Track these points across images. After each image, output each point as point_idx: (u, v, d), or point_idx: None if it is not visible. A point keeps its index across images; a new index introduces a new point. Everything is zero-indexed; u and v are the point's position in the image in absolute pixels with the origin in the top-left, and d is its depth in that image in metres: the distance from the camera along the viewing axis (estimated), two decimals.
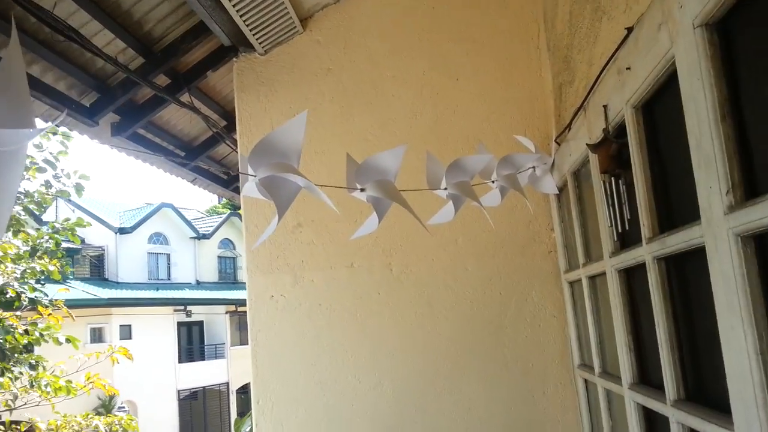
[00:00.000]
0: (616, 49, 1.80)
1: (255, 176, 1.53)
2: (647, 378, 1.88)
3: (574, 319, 2.85)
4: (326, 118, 3.18)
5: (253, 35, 3.01)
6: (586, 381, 2.74)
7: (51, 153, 6.05)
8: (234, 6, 2.71)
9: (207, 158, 4.38)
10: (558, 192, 2.78)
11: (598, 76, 2.01)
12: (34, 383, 6.00)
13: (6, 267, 5.33)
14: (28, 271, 5.65)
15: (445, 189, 2.16)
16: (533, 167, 2.65)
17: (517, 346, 3.00)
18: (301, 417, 3.05)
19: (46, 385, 5.97)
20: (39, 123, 3.10)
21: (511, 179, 2.43)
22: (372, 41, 3.22)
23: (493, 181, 2.44)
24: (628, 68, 1.74)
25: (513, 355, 3.00)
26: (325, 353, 3.10)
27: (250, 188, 1.55)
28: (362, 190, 1.79)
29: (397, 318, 3.08)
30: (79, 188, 6.35)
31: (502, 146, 2.96)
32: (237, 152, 4.02)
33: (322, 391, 3.05)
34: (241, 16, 2.82)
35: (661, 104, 1.66)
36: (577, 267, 2.62)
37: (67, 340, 6.18)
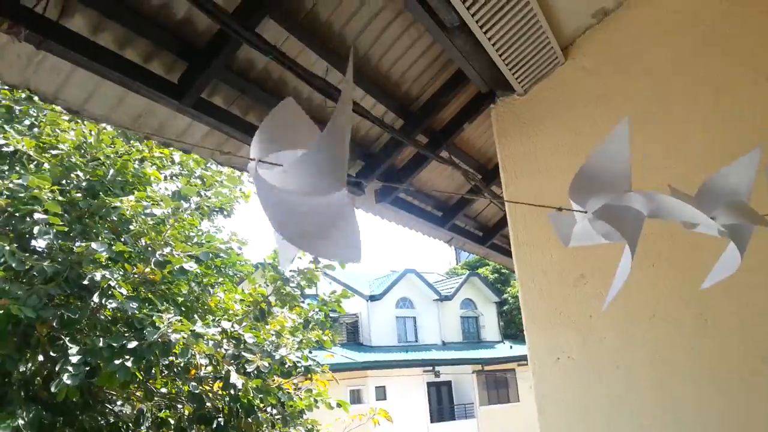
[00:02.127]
0: None
1: (584, 211, 1.24)
2: None
3: None
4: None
5: (512, 74, 2.81)
6: None
7: None
8: (493, 45, 2.54)
9: (464, 216, 4.26)
10: None
11: None
12: None
13: (287, 339, 5.78)
14: (304, 341, 6.08)
15: (713, 219, 1.54)
16: None
17: None
18: None
19: None
20: None
21: None
22: (648, 55, 2.79)
23: None
24: None
25: None
26: (622, 425, 2.60)
27: (583, 228, 1.26)
28: (712, 219, 1.37)
29: (719, 382, 2.46)
30: (344, 263, 6.78)
31: None
32: (498, 206, 3.82)
33: None
34: (500, 55, 2.63)
35: None
36: None
37: (338, 404, 6.48)
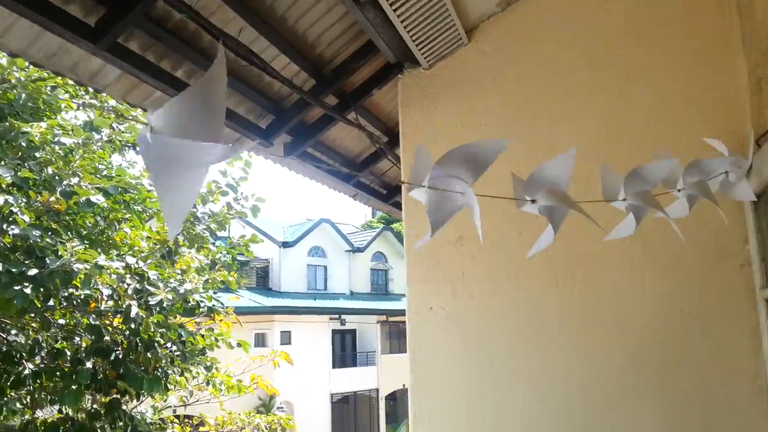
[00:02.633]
0: None
1: (423, 186, 1.53)
2: None
3: None
4: (491, 129, 3.12)
5: (419, 50, 3.05)
6: None
7: (233, 178, 6.67)
8: (402, 22, 2.77)
9: (370, 174, 4.52)
10: (756, 199, 2.47)
11: None
12: (210, 382, 6.53)
13: (193, 277, 5.87)
14: (210, 281, 6.19)
15: (624, 200, 2.00)
16: (726, 172, 2.38)
17: (702, 371, 2.70)
18: (458, 431, 2.99)
19: (220, 383, 6.49)
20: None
21: (701, 187, 2.19)
22: (540, 48, 3.11)
23: (678, 190, 2.23)
24: None
25: (697, 382, 2.70)
26: (484, 369, 3.01)
27: (418, 193, 1.55)
28: (533, 201, 1.71)
29: (564, 336, 2.92)
30: (255, 210, 6.93)
31: (689, 150, 2.70)
32: (398, 167, 4.10)
33: (478, 408, 2.98)
34: (408, 32, 2.86)
35: None
36: None
37: (238, 344, 6.68)
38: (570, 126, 3.01)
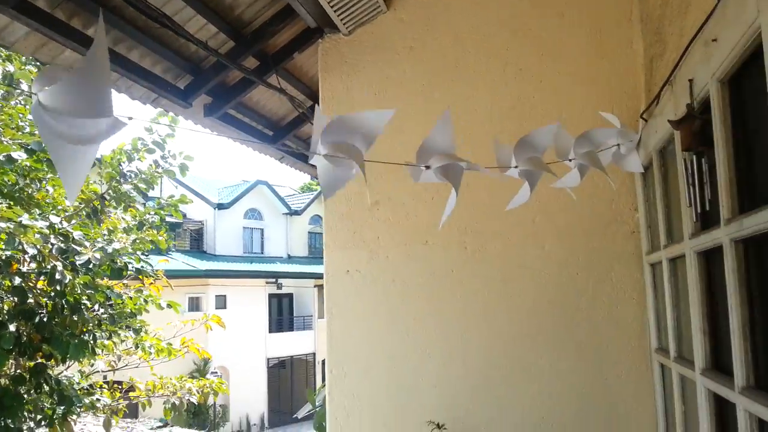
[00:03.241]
0: (706, 20, 1.72)
1: (322, 154, 1.62)
2: (720, 364, 1.81)
3: (654, 303, 2.77)
4: (407, 97, 3.22)
5: (338, 16, 3.09)
6: (662, 365, 2.67)
7: (159, 136, 6.49)
8: None
9: (294, 137, 4.55)
10: (644, 170, 2.69)
11: (686, 49, 1.93)
12: (139, 345, 6.45)
13: (121, 237, 5.75)
14: (138, 242, 6.07)
15: (516, 167, 2.15)
16: (617, 144, 2.58)
17: (593, 328, 2.96)
18: (371, 388, 3.15)
19: (149, 347, 6.43)
20: (138, 104, 3.28)
21: (591, 157, 2.37)
22: (455, 17, 3.22)
23: (570, 160, 2.40)
24: (714, 40, 1.66)
25: (588, 337, 2.96)
26: (397, 327, 3.17)
27: (318, 160, 1.64)
28: (427, 167, 1.83)
29: (471, 296, 3.11)
30: (183, 168, 6.78)
31: (588, 123, 2.88)
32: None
33: (392, 364, 3.14)
34: None
35: (748, 78, 1.58)
36: (659, 249, 2.54)
37: (168, 305, 6.59)
38: (479, 96, 3.15)
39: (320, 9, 3.04)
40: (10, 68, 5.61)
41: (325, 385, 3.36)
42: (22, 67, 5.88)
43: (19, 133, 5.39)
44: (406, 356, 3.14)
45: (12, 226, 4.41)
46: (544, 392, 2.97)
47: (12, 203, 5.04)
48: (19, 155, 4.87)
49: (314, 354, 24.12)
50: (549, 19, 3.12)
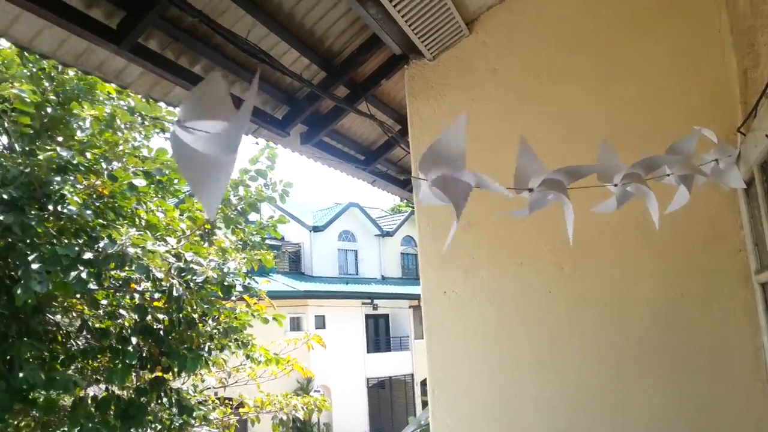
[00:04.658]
0: None
1: (426, 179, 1.66)
2: None
3: (767, 324, 2.58)
4: (493, 119, 3.23)
5: (422, 42, 3.17)
6: None
7: (262, 165, 6.95)
8: (403, 17, 2.89)
9: (385, 161, 4.67)
10: (746, 186, 2.54)
11: None
12: (249, 357, 6.77)
13: (235, 255, 6.11)
14: (247, 260, 6.44)
15: (615, 185, 2.09)
16: (716, 160, 2.45)
17: (702, 351, 2.79)
18: (472, 407, 3.15)
19: (259, 356, 6.74)
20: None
21: (690, 166, 2.27)
22: (538, 38, 3.20)
23: (668, 175, 2.31)
24: None
25: (698, 361, 2.79)
26: (495, 348, 3.16)
27: (426, 194, 1.67)
28: (530, 191, 1.82)
29: (570, 317, 3.03)
30: (283, 195, 7.17)
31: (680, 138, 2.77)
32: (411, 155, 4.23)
33: (492, 383, 3.12)
34: (409, 26, 2.99)
35: None
36: None
37: (273, 318, 6.91)
38: (566, 116, 3.11)
39: (405, 36, 3.14)
40: (132, 102, 6.15)
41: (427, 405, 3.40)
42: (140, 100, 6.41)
43: (138, 157, 5.88)
44: (504, 375, 3.11)
45: (140, 252, 4.80)
46: (648, 421, 2.83)
47: (130, 226, 5.47)
48: (140, 182, 5.29)
49: (412, 375, 24.12)
50: (634, 36, 3.03)
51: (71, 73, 5.41)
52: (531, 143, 3.02)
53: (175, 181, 6.45)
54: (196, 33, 2.84)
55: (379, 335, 24.54)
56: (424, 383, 24.33)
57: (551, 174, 1.81)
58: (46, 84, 5.18)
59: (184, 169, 1.20)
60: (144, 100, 6.19)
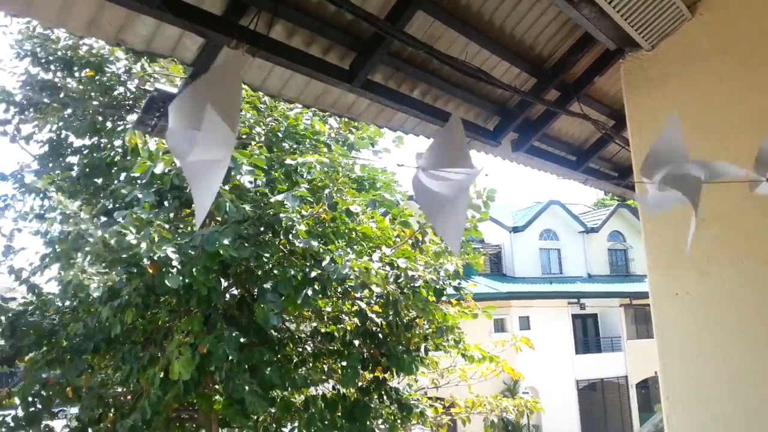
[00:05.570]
0: None
1: (652, 182, 1.63)
2: None
3: None
4: (722, 105, 2.98)
5: (639, 33, 3.04)
6: None
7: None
8: (618, 12, 2.81)
9: (598, 159, 4.52)
10: None
11: None
12: (464, 356, 6.99)
13: (450, 258, 6.39)
14: (456, 264, 6.68)
15: None
16: None
17: None
18: (709, 418, 2.92)
19: (473, 354, 6.94)
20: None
21: None
22: None
23: None
24: None
25: None
26: (735, 354, 2.89)
27: (654, 198, 1.65)
28: None
29: None
30: (487, 202, 7.29)
31: None
32: (629, 150, 4.06)
33: (732, 392, 2.87)
34: (625, 19, 2.89)
35: None
36: None
37: (482, 312, 7.05)
38: None
39: (619, 30, 3.03)
40: (350, 137, 6.78)
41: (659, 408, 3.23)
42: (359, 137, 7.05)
43: (350, 177, 6.45)
44: (746, 384, 2.84)
45: (358, 272, 5.30)
46: None
47: (347, 244, 6.03)
48: (356, 208, 5.81)
49: (626, 377, 22.70)
50: None
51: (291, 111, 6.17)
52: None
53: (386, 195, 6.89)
54: (415, 61, 3.06)
55: (588, 336, 23.50)
56: (640, 386, 22.70)
57: None
58: (260, 130, 5.96)
59: (427, 208, 1.32)
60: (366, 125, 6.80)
